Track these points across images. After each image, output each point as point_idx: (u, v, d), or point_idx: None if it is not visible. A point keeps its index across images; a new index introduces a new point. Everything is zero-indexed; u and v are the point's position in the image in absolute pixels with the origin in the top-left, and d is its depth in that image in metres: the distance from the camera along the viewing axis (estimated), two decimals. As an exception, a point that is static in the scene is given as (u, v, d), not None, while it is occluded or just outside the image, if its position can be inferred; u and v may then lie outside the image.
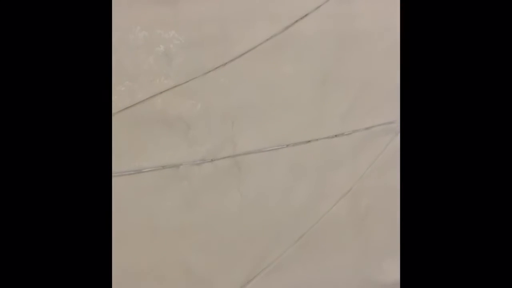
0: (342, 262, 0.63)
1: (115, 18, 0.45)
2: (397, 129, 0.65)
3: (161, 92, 0.50)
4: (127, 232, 0.50)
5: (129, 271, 0.49)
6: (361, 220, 0.64)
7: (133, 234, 0.50)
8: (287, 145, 0.58)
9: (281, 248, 0.58)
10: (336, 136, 0.61)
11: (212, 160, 0.54)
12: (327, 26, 0.58)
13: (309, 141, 0.59)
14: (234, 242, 0.55)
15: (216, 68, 0.53)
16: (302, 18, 0.57)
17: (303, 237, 0.60)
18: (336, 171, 0.61)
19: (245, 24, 0.54)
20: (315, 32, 0.58)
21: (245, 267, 0.57)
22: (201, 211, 0.54)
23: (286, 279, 0.59)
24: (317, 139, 0.60)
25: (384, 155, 0.64)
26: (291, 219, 0.59)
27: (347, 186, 0.62)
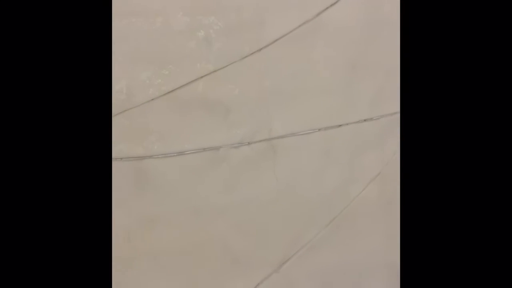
0: (372, 245, 0.64)
1: (157, 4, 0.46)
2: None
3: (201, 77, 0.52)
4: (171, 212, 0.51)
5: (171, 250, 0.50)
6: (389, 204, 0.65)
7: (175, 214, 0.51)
8: (319, 129, 0.59)
9: (314, 230, 0.60)
10: (365, 120, 0.62)
11: (249, 143, 0.55)
12: (356, 13, 0.59)
13: (340, 125, 0.61)
14: (270, 222, 0.57)
15: (252, 53, 0.54)
16: (332, 5, 0.58)
17: (335, 220, 0.61)
18: (365, 155, 0.63)
19: (279, 11, 0.55)
20: (345, 19, 0.59)
21: (281, 247, 0.58)
22: (239, 192, 0.55)
23: (319, 260, 0.60)
24: (347, 124, 0.61)
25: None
26: (323, 202, 0.60)
27: (376, 170, 0.64)
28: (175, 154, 0.51)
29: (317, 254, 0.60)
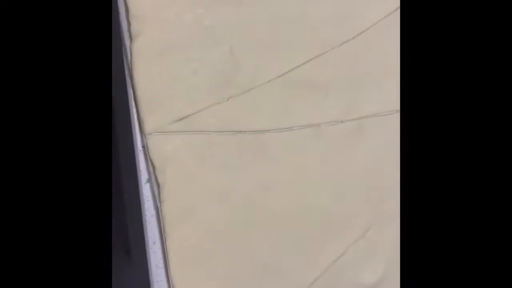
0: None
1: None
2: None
3: (308, 61, 0.58)
4: (282, 179, 0.57)
5: (282, 212, 0.56)
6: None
7: (286, 181, 0.57)
8: (397, 111, 0.66)
9: (392, 202, 0.66)
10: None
11: (342, 121, 0.62)
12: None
13: (413, 107, 0.68)
14: (358, 193, 0.63)
15: (347, 41, 0.61)
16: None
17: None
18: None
19: (366, 3, 0.62)
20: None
21: (366, 216, 0.64)
22: (334, 165, 0.61)
23: (397, 228, 0.67)
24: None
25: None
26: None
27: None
28: (285, 129, 0.58)
29: (395, 223, 0.66)
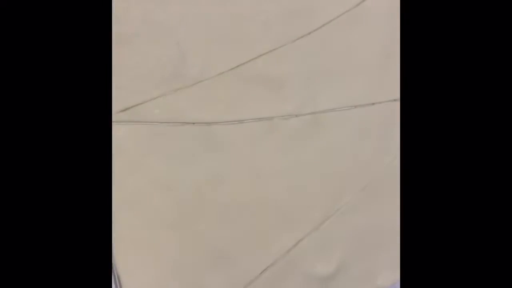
0: (398, 212, 0.72)
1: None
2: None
3: (260, 55, 0.59)
4: (233, 171, 0.58)
5: (234, 203, 0.57)
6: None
7: (238, 173, 0.58)
8: (355, 107, 0.67)
9: (350, 194, 0.67)
10: (395, 100, 0.70)
11: (297, 116, 0.62)
12: (395, 2, 0.66)
13: (373, 104, 0.68)
14: (313, 186, 0.63)
15: (303, 36, 0.62)
16: (371, -4, 0.65)
17: (368, 186, 0.68)
18: (396, 130, 0.70)
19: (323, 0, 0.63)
20: (383, 6, 0.66)
21: (322, 208, 0.65)
22: (288, 158, 0.62)
23: (353, 221, 0.67)
24: (380, 102, 0.68)
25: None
26: (358, 170, 0.68)
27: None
28: (236, 122, 0.59)
29: (351, 216, 0.67)
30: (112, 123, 0.50)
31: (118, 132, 0.52)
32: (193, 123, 0.56)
